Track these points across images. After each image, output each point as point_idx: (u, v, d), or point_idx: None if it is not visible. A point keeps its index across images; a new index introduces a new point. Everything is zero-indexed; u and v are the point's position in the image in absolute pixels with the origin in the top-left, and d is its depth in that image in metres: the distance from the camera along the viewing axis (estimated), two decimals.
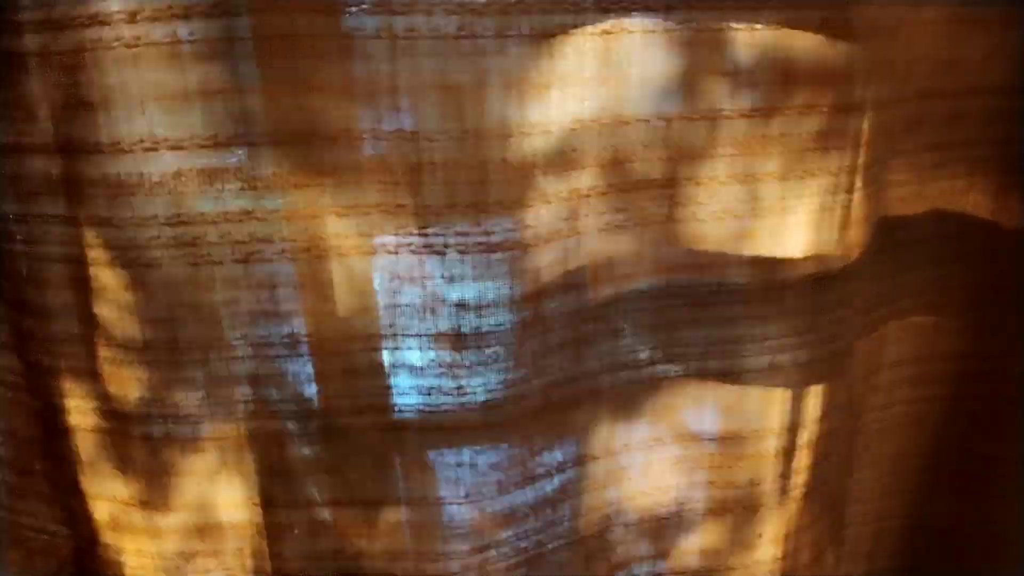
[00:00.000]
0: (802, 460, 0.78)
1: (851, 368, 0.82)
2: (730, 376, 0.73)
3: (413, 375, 0.65)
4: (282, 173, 0.59)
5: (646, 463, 0.75)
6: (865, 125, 0.71)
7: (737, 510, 0.77)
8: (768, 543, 0.79)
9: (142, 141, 0.57)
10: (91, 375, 0.65)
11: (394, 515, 0.68)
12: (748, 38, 0.64)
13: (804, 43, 0.65)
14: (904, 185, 0.84)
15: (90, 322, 0.63)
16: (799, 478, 0.78)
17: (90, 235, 0.60)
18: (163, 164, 0.58)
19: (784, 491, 0.78)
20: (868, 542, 0.99)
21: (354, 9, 0.56)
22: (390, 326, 0.64)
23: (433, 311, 0.63)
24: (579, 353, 0.69)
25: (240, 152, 0.58)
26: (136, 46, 0.55)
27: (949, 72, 0.82)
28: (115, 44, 0.56)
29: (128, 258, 0.60)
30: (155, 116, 0.57)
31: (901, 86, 0.78)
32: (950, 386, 0.95)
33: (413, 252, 0.62)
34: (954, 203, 0.88)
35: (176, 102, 0.57)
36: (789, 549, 0.80)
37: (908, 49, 0.77)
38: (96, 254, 0.61)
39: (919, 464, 0.98)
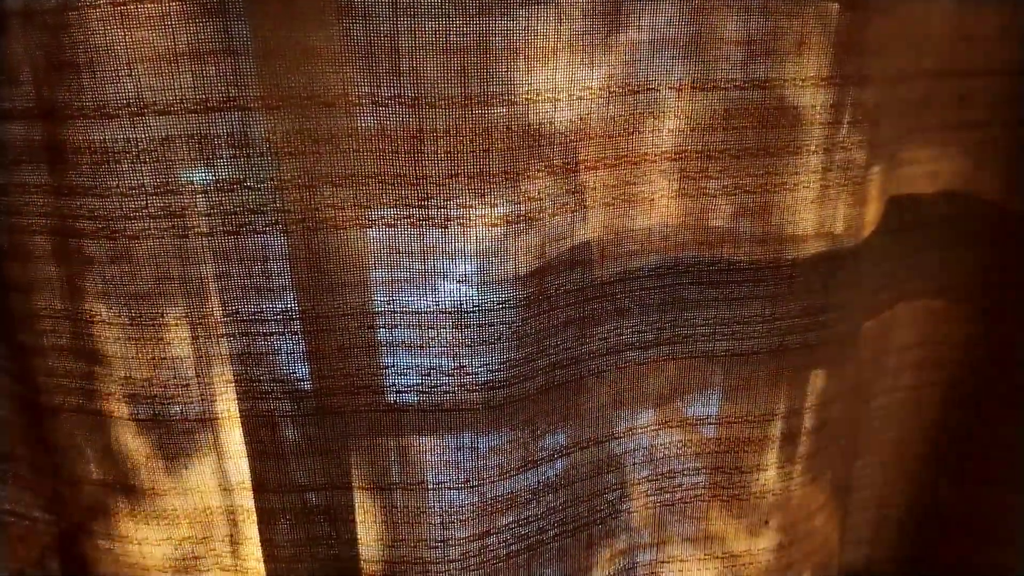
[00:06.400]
0: (810, 445, 0.76)
1: (860, 350, 0.81)
2: (739, 358, 0.71)
3: (411, 354, 0.63)
4: (275, 140, 0.57)
5: (651, 447, 0.73)
6: (879, 99, 0.70)
7: (744, 496, 0.75)
8: (774, 530, 0.77)
9: (129, 105, 0.55)
10: (75, 353, 0.63)
11: (390, 500, 0.66)
12: (762, 6, 0.62)
13: (817, 13, 0.63)
14: (915, 164, 0.82)
15: (74, 297, 0.61)
16: (807, 463, 0.76)
17: (74, 205, 0.58)
18: (150, 130, 0.55)
19: (792, 476, 0.76)
20: (870, 528, 0.98)
21: None
22: (388, 302, 0.61)
23: (433, 287, 0.61)
24: (584, 333, 0.67)
25: (231, 117, 0.56)
26: (124, 4, 0.53)
27: (960, 51, 0.81)
28: (102, 2, 0.53)
29: (113, 229, 0.58)
30: (143, 79, 0.54)
31: (915, 62, 0.76)
32: (955, 371, 0.94)
33: (413, 225, 0.59)
34: (964, 184, 0.87)
35: (165, 64, 0.54)
36: (796, 536, 0.78)
37: (922, 24, 0.76)
38: (80, 225, 0.58)
39: (922, 450, 0.97)
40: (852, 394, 0.81)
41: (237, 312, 0.61)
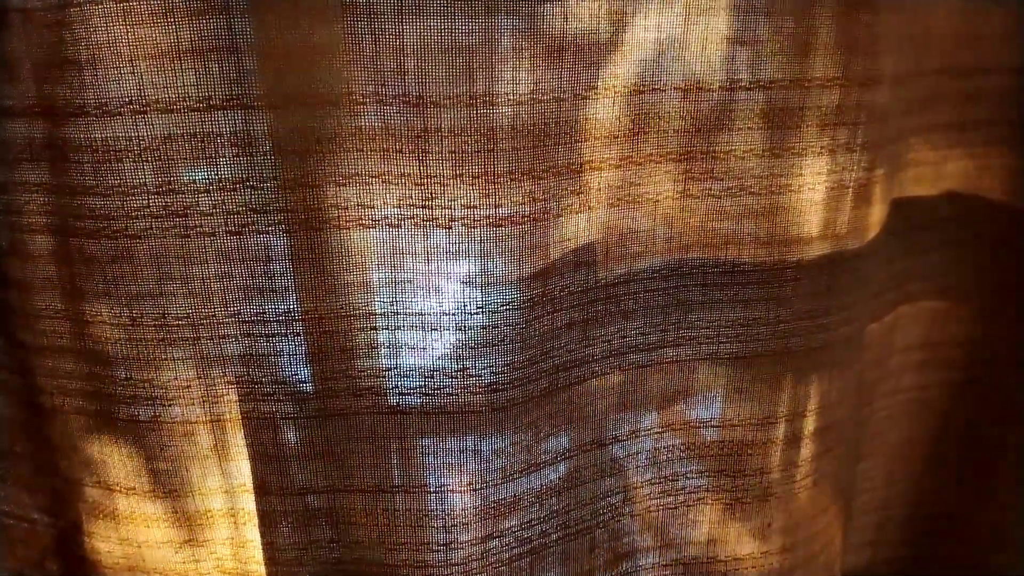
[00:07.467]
0: (814, 447, 0.76)
1: (864, 353, 0.80)
2: (743, 360, 0.71)
3: (414, 356, 0.62)
4: (278, 139, 0.56)
5: (654, 450, 0.73)
6: (884, 100, 0.69)
7: (747, 499, 0.75)
8: (777, 533, 0.77)
9: (130, 103, 0.54)
10: (75, 353, 0.62)
11: (392, 503, 0.65)
12: (768, 6, 0.62)
13: (823, 14, 0.63)
14: (920, 165, 0.82)
15: (75, 297, 0.60)
16: (811, 466, 0.76)
17: (75, 204, 0.57)
18: (152, 128, 0.55)
19: (795, 479, 0.76)
20: (872, 530, 0.98)
21: None
22: (391, 304, 0.61)
23: (437, 288, 0.60)
24: (587, 335, 0.67)
25: (234, 116, 0.55)
26: (126, 1, 0.52)
27: (966, 49, 0.81)
28: None
29: (115, 229, 0.57)
30: (145, 76, 0.54)
31: (920, 61, 0.76)
32: (958, 372, 0.94)
33: (416, 225, 0.59)
34: (969, 184, 0.86)
35: (167, 62, 0.54)
36: (799, 539, 0.78)
37: (927, 24, 0.76)
38: (81, 224, 0.58)
39: (925, 452, 0.96)
40: (855, 396, 0.80)
41: (239, 313, 0.60)
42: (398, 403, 0.63)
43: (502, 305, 0.61)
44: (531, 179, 0.59)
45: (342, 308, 0.61)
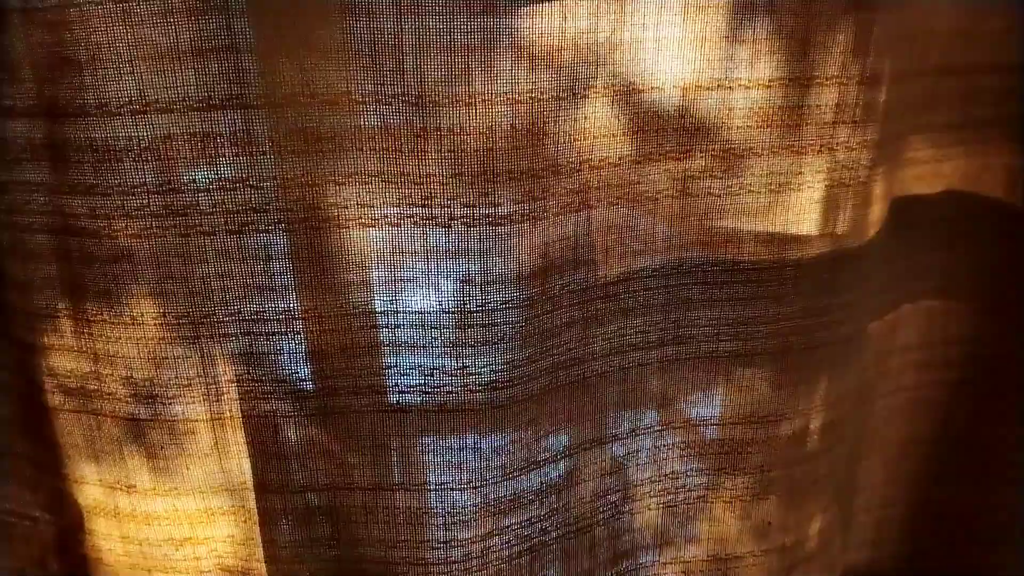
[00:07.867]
0: (814, 446, 0.76)
1: (864, 351, 0.80)
2: (742, 358, 0.71)
3: (414, 354, 0.62)
4: (278, 138, 0.56)
5: (654, 448, 0.73)
6: (884, 98, 0.69)
7: (747, 497, 0.75)
8: (777, 531, 0.77)
9: (130, 103, 0.54)
10: (76, 352, 0.62)
11: (392, 501, 0.66)
12: (767, 5, 0.62)
13: (823, 12, 0.63)
14: (920, 163, 0.82)
15: (75, 296, 0.60)
16: (810, 464, 0.76)
17: (75, 204, 0.58)
18: (152, 128, 0.55)
19: (795, 477, 0.76)
20: (872, 529, 0.98)
21: None
22: (390, 302, 0.61)
23: (436, 287, 0.61)
24: (587, 333, 0.67)
25: (234, 115, 0.55)
26: (126, 1, 0.53)
27: (966, 48, 0.80)
28: None
29: (115, 228, 0.57)
30: (144, 76, 0.54)
31: (919, 60, 0.76)
32: (957, 371, 0.94)
33: (416, 224, 0.59)
34: (969, 183, 0.86)
35: (167, 61, 0.54)
36: (799, 537, 0.78)
37: (926, 22, 0.75)
38: (82, 224, 0.58)
39: (924, 451, 0.96)
40: (856, 395, 0.80)
41: (239, 311, 0.60)
42: (398, 401, 0.63)
43: (502, 303, 0.61)
44: (530, 178, 0.59)
45: (342, 307, 0.61)
